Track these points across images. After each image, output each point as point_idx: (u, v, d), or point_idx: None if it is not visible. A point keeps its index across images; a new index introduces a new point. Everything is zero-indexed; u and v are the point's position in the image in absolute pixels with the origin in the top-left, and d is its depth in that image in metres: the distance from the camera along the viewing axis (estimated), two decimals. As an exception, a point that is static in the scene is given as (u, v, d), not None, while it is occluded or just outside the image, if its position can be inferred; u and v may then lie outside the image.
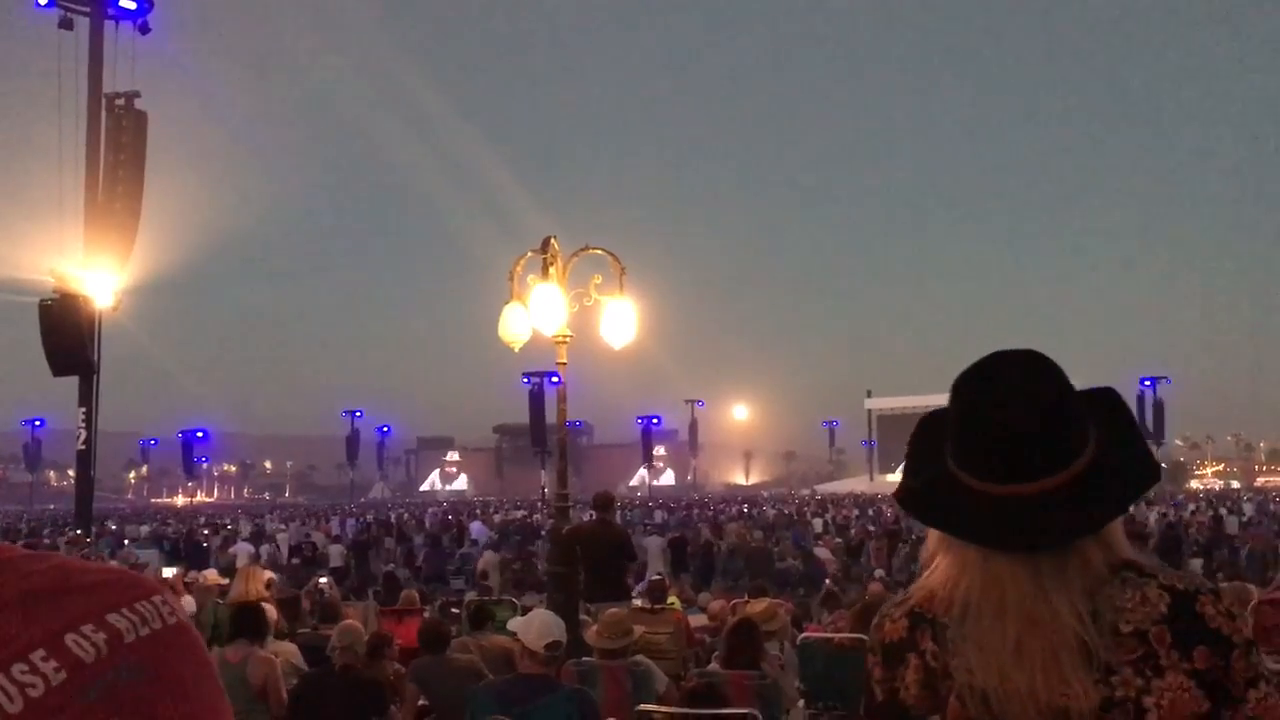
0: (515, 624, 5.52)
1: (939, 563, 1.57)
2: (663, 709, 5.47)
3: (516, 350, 8.89)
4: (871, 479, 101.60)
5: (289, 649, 7.84)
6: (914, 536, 23.10)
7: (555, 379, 9.65)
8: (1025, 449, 1.50)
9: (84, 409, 25.67)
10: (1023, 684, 1.41)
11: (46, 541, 26.21)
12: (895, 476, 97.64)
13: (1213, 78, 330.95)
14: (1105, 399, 1.61)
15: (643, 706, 5.49)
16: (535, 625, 5.17)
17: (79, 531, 25.42)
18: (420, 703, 6.88)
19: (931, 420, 1.70)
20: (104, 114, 27.36)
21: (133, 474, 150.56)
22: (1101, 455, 1.53)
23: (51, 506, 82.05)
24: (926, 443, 1.66)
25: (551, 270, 8.79)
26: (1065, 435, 1.52)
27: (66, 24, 27.38)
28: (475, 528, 30.82)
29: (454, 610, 11.43)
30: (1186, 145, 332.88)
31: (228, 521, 40.86)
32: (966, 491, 1.53)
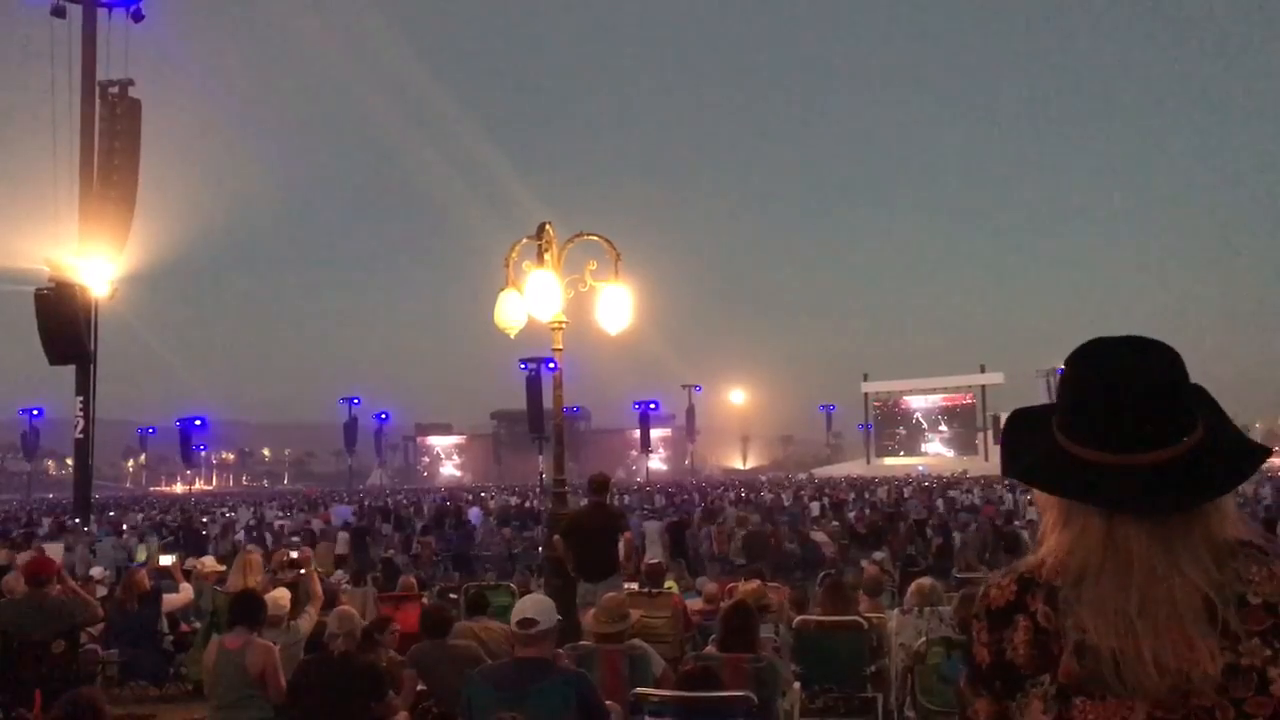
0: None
1: (1050, 537, 1.61)
2: (659, 692, 5.50)
3: (513, 336, 8.90)
4: (869, 462, 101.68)
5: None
6: (912, 519, 23.17)
7: (552, 365, 9.65)
8: (1150, 420, 1.55)
9: (81, 398, 25.67)
10: (1145, 643, 1.44)
11: (45, 531, 26.17)
12: (892, 460, 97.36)
13: (1221, 66, 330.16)
14: (1199, 392, 1.66)
15: (639, 690, 5.52)
16: (519, 606, 5.22)
17: (77, 520, 25.48)
18: (419, 688, 6.92)
19: (1023, 416, 1.76)
20: (98, 102, 27.28)
21: (131, 462, 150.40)
22: (1211, 432, 1.58)
23: (50, 495, 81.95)
24: (1023, 434, 1.71)
25: (547, 256, 8.79)
26: (1184, 409, 1.57)
27: (59, 12, 27.24)
28: (474, 513, 30.85)
29: (452, 596, 11.46)
30: (1179, 139, 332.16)
31: (226, 509, 40.86)
32: (1090, 466, 1.56)
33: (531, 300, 8.71)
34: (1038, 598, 1.56)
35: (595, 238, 9.12)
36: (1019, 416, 1.77)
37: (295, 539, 19.71)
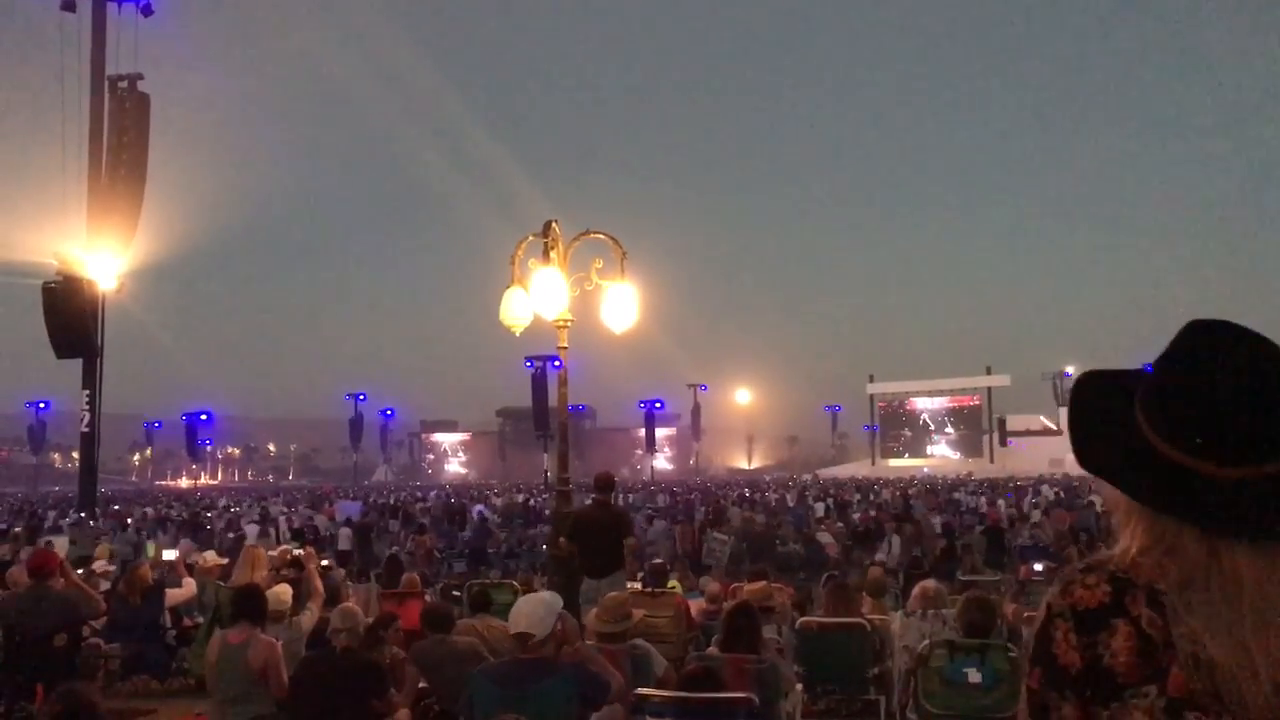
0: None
1: (1135, 531, 1.48)
2: (660, 693, 5.48)
3: (517, 334, 8.87)
4: (874, 463, 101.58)
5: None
6: (917, 521, 23.10)
7: (557, 363, 9.63)
8: (1269, 427, 1.40)
9: (88, 391, 25.69)
10: (1261, 665, 1.34)
11: (49, 524, 26.20)
12: (897, 461, 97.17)
13: (1224, 74, 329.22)
14: None
15: (641, 691, 5.50)
16: (514, 613, 5.13)
17: (82, 514, 25.52)
18: (421, 685, 6.90)
19: (1099, 387, 1.59)
20: (107, 96, 27.30)
21: (137, 456, 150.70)
22: None
23: (56, 488, 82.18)
24: (1100, 414, 1.55)
25: (552, 254, 8.76)
26: None
27: (69, 6, 27.29)
28: (478, 510, 30.92)
29: (456, 593, 11.44)
30: (1189, 140, 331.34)
31: (232, 505, 40.93)
32: (1194, 477, 1.42)
33: (537, 298, 8.67)
34: (1138, 601, 1.43)
35: (601, 236, 9.09)
36: (1093, 386, 1.59)
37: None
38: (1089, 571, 1.50)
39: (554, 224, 8.86)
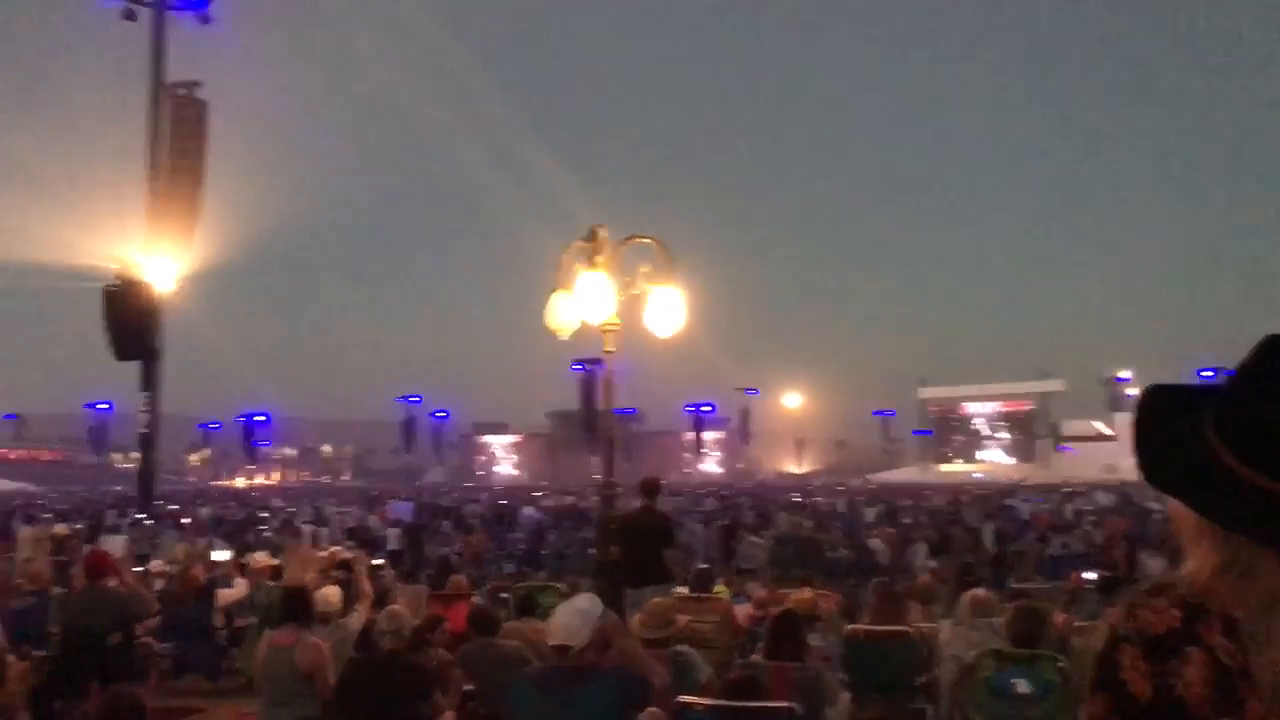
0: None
1: (1206, 552, 1.40)
2: (702, 701, 5.45)
3: (563, 338, 8.89)
4: (925, 469, 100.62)
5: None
6: (969, 527, 22.86)
7: (604, 367, 9.64)
8: None
9: (147, 393, 26.19)
10: None
11: (108, 523, 26.72)
12: (948, 467, 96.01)
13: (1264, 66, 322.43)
14: None
15: (682, 698, 5.48)
16: (551, 626, 5.10)
17: (141, 515, 25.99)
18: (466, 688, 6.93)
19: (1166, 400, 1.51)
20: (166, 103, 27.88)
21: (194, 456, 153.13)
22: None
23: (118, 488, 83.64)
24: (1168, 427, 1.46)
25: (598, 259, 8.77)
26: None
27: (129, 15, 27.90)
28: (526, 512, 31.06)
29: (503, 596, 11.49)
30: (1239, 128, 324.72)
31: (287, 505, 41.45)
32: (1262, 494, 1.34)
33: (583, 303, 8.68)
34: (1213, 628, 1.35)
35: (647, 240, 9.07)
36: (1160, 401, 1.50)
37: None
38: (1157, 594, 1.43)
39: (600, 229, 8.87)
